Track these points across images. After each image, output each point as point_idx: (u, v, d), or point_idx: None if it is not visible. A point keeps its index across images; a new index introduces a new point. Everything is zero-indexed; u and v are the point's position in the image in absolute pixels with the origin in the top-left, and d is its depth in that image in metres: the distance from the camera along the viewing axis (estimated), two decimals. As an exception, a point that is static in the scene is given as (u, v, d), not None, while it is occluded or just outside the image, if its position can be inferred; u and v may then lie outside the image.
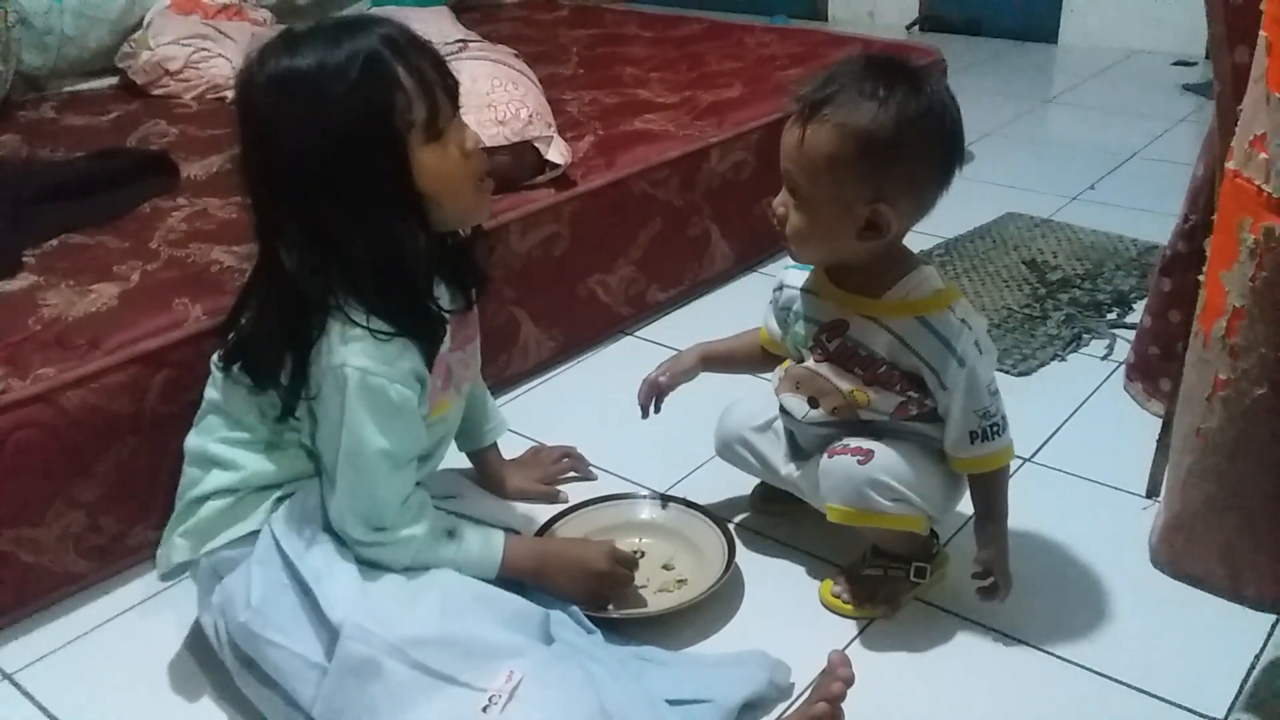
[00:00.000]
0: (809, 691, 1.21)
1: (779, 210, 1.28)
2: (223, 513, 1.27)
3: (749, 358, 1.53)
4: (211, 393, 1.31)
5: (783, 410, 1.43)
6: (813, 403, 1.37)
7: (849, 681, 1.17)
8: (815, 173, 1.22)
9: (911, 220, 1.29)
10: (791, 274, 1.41)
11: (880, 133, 1.19)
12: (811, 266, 1.37)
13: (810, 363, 1.36)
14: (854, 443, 1.33)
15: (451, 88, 1.25)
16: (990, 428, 1.30)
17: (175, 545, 1.28)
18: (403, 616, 1.15)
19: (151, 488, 1.46)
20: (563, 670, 1.16)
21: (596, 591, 1.36)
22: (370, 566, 1.24)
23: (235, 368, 1.25)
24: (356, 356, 1.19)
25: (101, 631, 1.41)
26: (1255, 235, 0.78)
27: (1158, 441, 1.31)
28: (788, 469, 1.46)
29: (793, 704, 1.25)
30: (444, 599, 1.19)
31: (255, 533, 1.25)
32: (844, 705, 1.20)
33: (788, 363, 1.43)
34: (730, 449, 1.54)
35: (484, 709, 1.10)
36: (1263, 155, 0.78)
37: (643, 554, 1.49)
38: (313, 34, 1.19)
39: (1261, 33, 0.78)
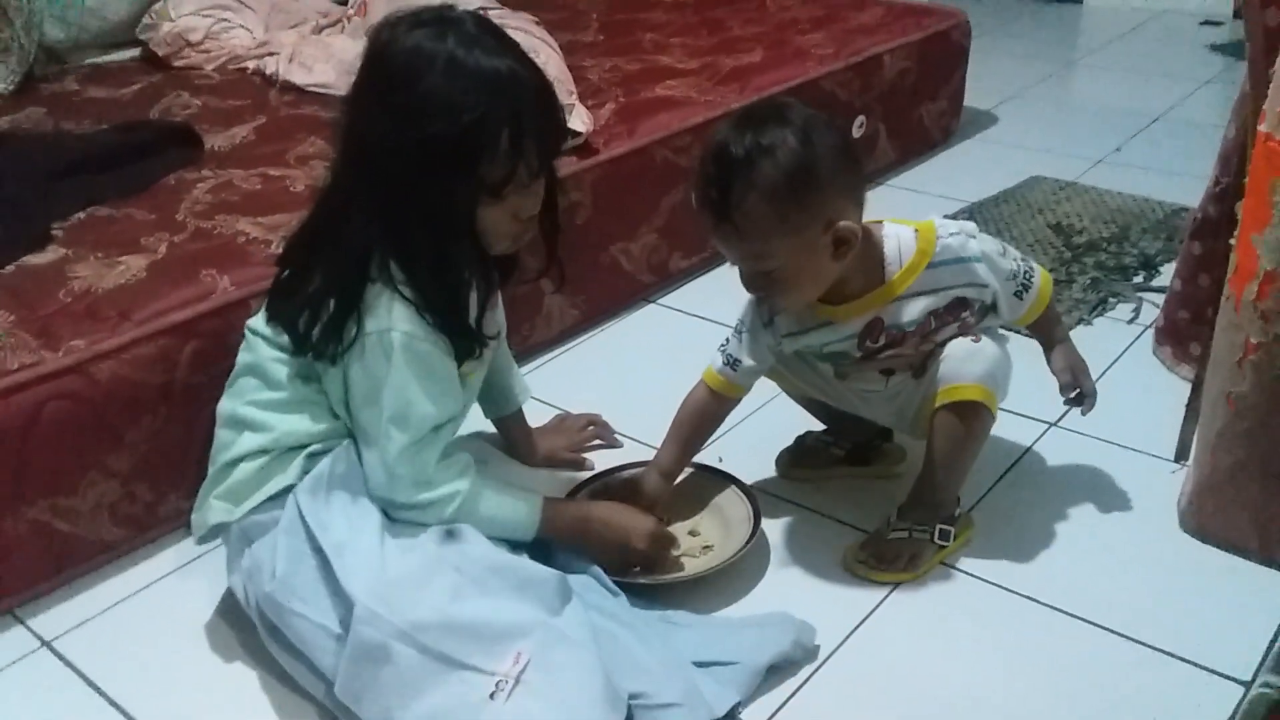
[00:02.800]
0: None
1: (758, 296, 1.36)
2: (256, 473, 1.28)
3: (708, 426, 1.50)
4: (245, 356, 1.34)
5: (859, 393, 1.48)
6: (888, 372, 1.43)
7: None
8: (769, 247, 1.26)
9: (860, 212, 1.31)
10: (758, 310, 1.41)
11: (795, 173, 1.22)
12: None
13: (867, 359, 1.41)
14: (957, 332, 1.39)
15: (545, 160, 1.26)
16: (1023, 280, 1.40)
17: (212, 507, 1.30)
18: (414, 598, 1.15)
19: (183, 457, 1.48)
20: (569, 651, 1.15)
21: (630, 565, 1.38)
22: (406, 525, 1.26)
23: (277, 319, 1.29)
24: (402, 322, 1.22)
25: (137, 598, 1.44)
26: (1288, 198, 0.77)
27: (1187, 406, 1.31)
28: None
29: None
30: (457, 574, 1.19)
31: (288, 489, 1.27)
32: (870, 668, 1.22)
33: (818, 365, 1.47)
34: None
35: (491, 695, 1.10)
36: (1296, 117, 0.77)
37: (666, 525, 1.50)
38: (480, 35, 1.20)
39: (1296, -8, 0.77)
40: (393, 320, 1.22)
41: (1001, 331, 1.46)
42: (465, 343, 1.29)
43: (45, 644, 1.36)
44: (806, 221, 1.25)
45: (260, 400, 1.31)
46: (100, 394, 1.40)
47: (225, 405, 1.34)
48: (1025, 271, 1.41)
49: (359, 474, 1.28)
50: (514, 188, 1.23)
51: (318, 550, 1.21)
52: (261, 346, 1.32)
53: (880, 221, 1.37)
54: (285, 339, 1.29)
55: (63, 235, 1.65)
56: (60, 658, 1.34)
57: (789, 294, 1.33)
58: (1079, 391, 1.45)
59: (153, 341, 1.44)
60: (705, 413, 1.49)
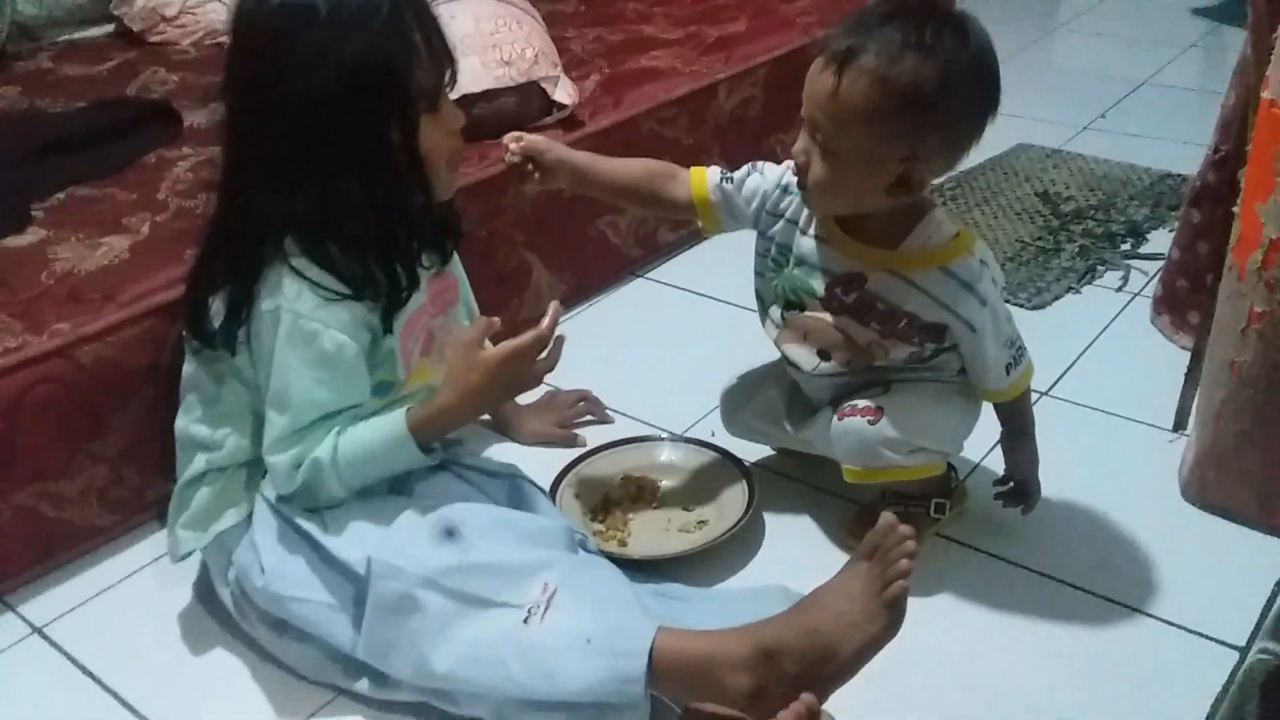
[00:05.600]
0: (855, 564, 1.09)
1: (799, 159, 1.21)
2: (215, 496, 1.27)
3: (639, 191, 1.40)
4: (186, 368, 1.31)
5: (788, 361, 1.39)
6: (824, 355, 1.34)
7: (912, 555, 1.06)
8: (848, 125, 1.14)
9: (941, 174, 1.25)
10: (791, 177, 1.30)
11: (924, 87, 1.11)
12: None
13: (823, 314, 1.32)
14: (861, 402, 1.31)
15: (453, 62, 1.23)
16: (1017, 353, 1.31)
17: (180, 538, 1.29)
18: (427, 550, 1.15)
19: (171, 440, 1.45)
20: (594, 573, 1.17)
21: (515, 381, 1.26)
22: (390, 500, 1.24)
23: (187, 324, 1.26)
24: (293, 300, 1.17)
25: (128, 583, 1.42)
26: (1293, 165, 0.77)
27: (1186, 374, 1.30)
28: (797, 431, 1.45)
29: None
30: (465, 527, 1.18)
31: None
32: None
33: (768, 307, 1.38)
34: (735, 425, 1.54)
35: (525, 621, 1.11)
36: (1302, 83, 0.76)
37: (659, 502, 1.50)
38: None
39: (1302, -45, 0.76)
40: (285, 298, 1.17)
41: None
42: (395, 287, 1.23)
43: (36, 630, 1.35)
44: (893, 136, 1.14)
45: (202, 415, 1.29)
46: (85, 377, 1.38)
47: (179, 423, 1.32)
48: (1020, 346, 1.32)
49: None
50: (441, 93, 1.21)
51: (302, 535, 1.20)
52: (195, 356, 1.29)
53: (933, 204, 1.27)
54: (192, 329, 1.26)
55: (43, 216, 1.62)
56: (52, 644, 1.33)
57: (820, 185, 1.19)
58: (1017, 489, 1.38)
59: (138, 323, 1.42)
60: (655, 172, 1.39)
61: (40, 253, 1.51)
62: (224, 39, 2.38)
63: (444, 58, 1.21)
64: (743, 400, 1.52)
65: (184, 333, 1.30)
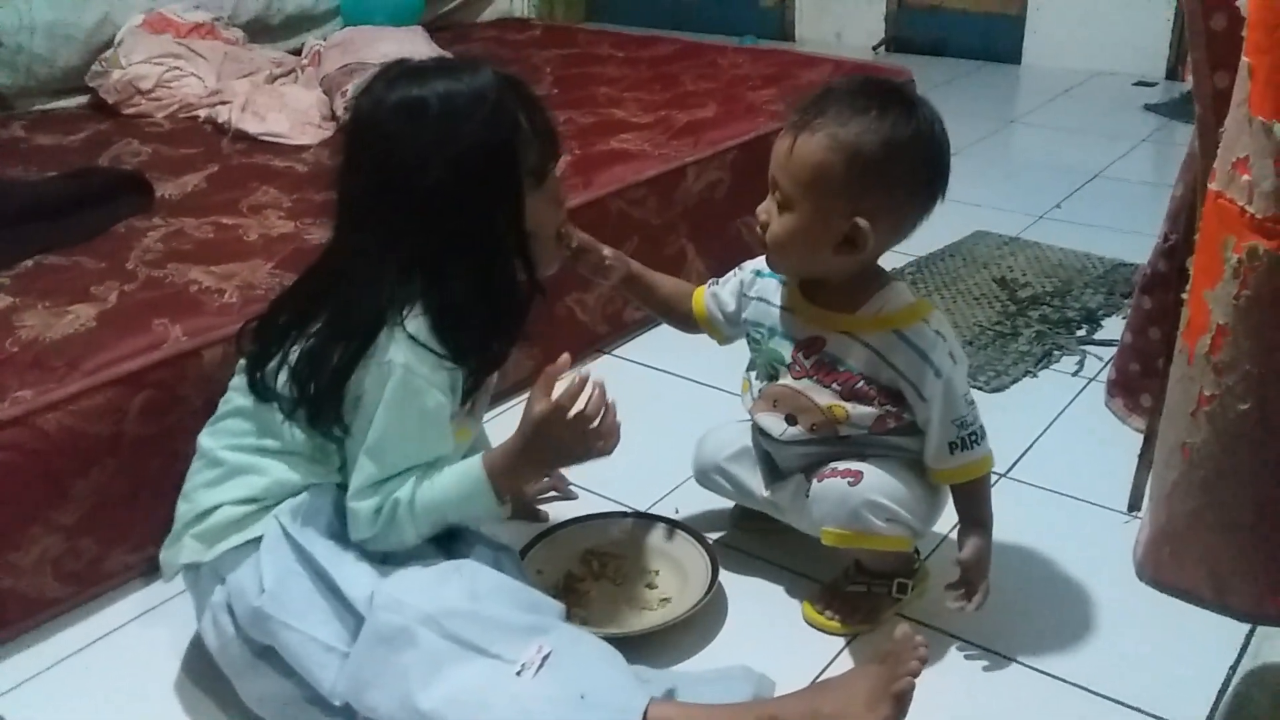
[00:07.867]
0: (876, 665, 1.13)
1: (761, 217, 1.31)
2: (238, 520, 1.25)
3: (670, 305, 1.53)
4: (242, 400, 1.28)
5: (759, 431, 1.43)
6: (790, 420, 1.38)
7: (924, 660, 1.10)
8: (800, 180, 1.24)
9: (888, 241, 1.31)
10: (764, 264, 1.41)
11: (867, 149, 1.22)
12: (784, 277, 1.39)
13: (788, 380, 1.37)
14: (841, 465, 1.35)
15: (557, 138, 1.28)
16: (969, 437, 1.32)
17: (186, 546, 1.27)
18: (434, 592, 1.16)
19: (130, 511, 1.45)
20: (590, 645, 1.18)
21: (574, 437, 1.25)
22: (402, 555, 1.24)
23: (287, 397, 1.23)
24: (406, 358, 1.19)
25: (80, 656, 1.40)
26: (1239, 254, 0.80)
27: (1140, 456, 1.33)
28: (765, 492, 1.47)
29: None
30: (470, 584, 1.19)
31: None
32: None
33: (752, 383, 1.43)
34: (708, 477, 1.55)
35: (518, 673, 1.11)
36: (1245, 177, 0.80)
37: (622, 579, 1.50)
38: (435, 69, 1.23)
39: (1243, 59, 0.80)
40: (399, 356, 1.19)
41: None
42: (489, 365, 1.28)
43: (-17, 704, 1.32)
44: (839, 193, 1.23)
45: (250, 445, 1.27)
46: (46, 446, 1.37)
47: (211, 443, 1.29)
48: (974, 431, 1.32)
49: (340, 512, 1.25)
50: (548, 168, 1.27)
51: (310, 566, 1.20)
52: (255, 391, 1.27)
53: (897, 278, 1.36)
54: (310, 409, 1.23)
55: (9, 284, 1.62)
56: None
57: (777, 242, 1.29)
58: (962, 583, 1.34)
59: (101, 392, 1.41)
60: (681, 292, 1.52)
61: (6, 320, 1.51)
62: (199, 113, 2.44)
63: (548, 135, 1.26)
64: (717, 451, 1.53)
65: (250, 376, 1.27)
